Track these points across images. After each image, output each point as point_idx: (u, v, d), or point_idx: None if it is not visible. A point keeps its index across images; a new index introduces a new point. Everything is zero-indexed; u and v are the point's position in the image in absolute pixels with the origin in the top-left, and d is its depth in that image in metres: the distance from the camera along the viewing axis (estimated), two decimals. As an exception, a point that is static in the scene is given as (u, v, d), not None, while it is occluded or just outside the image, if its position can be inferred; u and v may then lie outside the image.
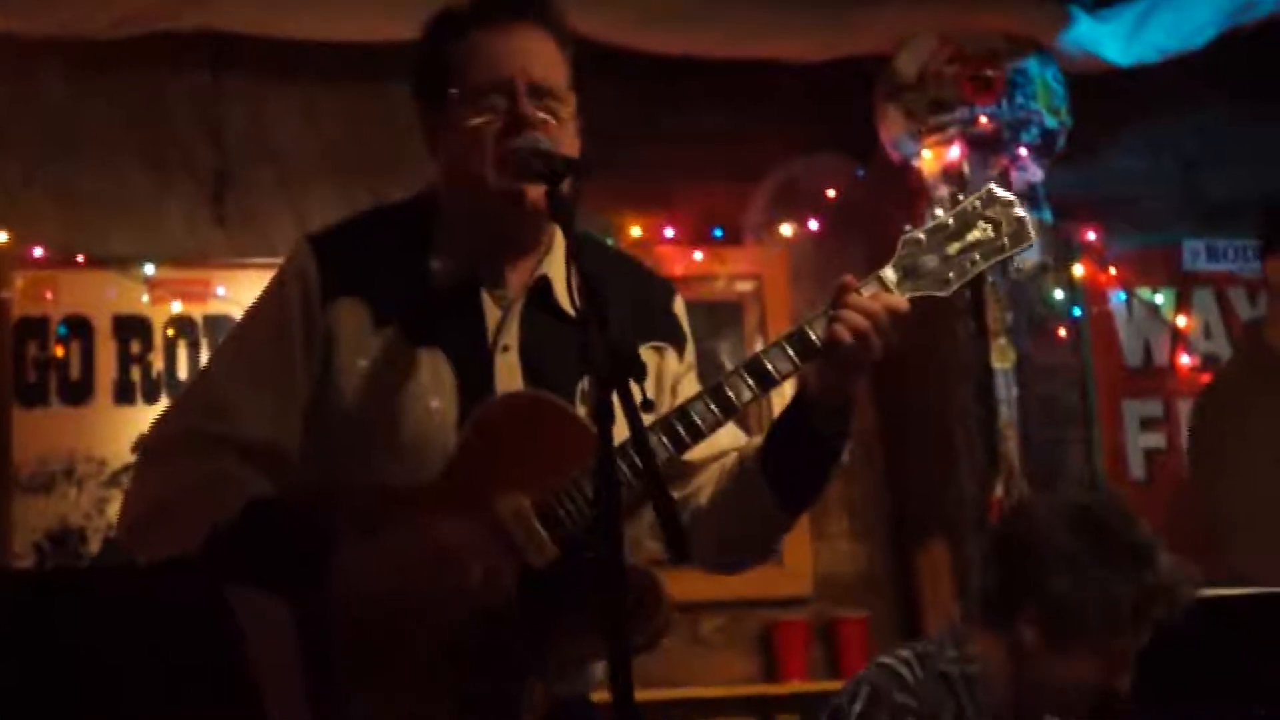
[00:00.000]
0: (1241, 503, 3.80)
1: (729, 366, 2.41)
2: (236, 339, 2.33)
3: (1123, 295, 5.18)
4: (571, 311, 2.07)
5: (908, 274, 2.22)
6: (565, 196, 2.06)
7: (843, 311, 2.15)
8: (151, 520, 2.18)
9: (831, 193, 4.96)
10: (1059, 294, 5.09)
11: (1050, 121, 4.69)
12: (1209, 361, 5.16)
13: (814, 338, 2.17)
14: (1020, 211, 2.26)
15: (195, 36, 4.53)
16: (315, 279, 2.22)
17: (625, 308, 2.25)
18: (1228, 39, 4.89)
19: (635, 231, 4.82)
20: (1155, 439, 5.13)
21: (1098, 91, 4.87)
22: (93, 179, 4.57)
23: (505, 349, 2.23)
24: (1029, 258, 4.62)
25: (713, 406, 2.17)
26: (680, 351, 2.37)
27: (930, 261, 2.23)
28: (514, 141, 2.16)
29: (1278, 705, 2.89)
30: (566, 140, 2.21)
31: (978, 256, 2.24)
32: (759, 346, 2.77)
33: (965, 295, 4.63)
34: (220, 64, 4.66)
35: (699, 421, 2.16)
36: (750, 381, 2.18)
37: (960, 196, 2.34)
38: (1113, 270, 5.18)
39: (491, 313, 2.25)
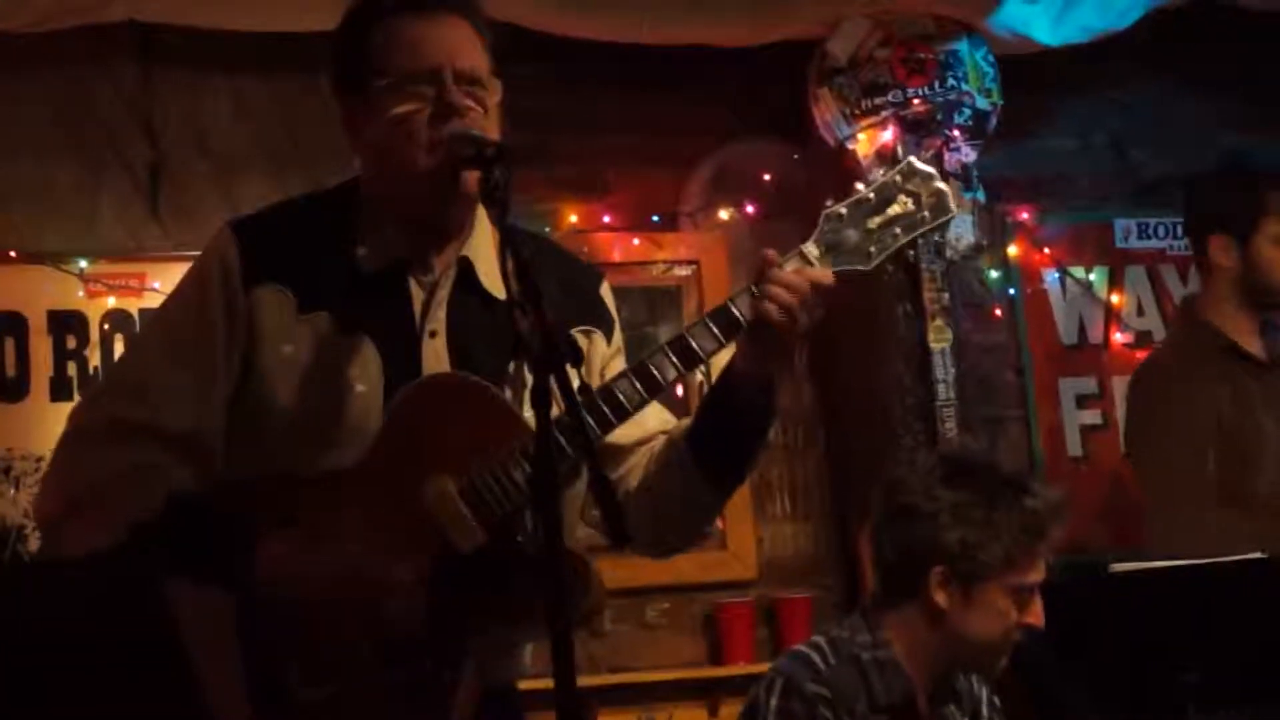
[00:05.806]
0: (1176, 479, 3.83)
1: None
2: (157, 324, 2.32)
3: (1056, 274, 5.23)
4: (496, 294, 2.07)
5: (830, 248, 2.22)
6: (498, 183, 2.06)
7: (767, 287, 2.15)
8: (69, 515, 2.15)
9: (768, 177, 4.98)
10: (994, 274, 5.15)
11: (982, 102, 4.72)
12: (1142, 338, 5.21)
13: (738, 314, 2.17)
14: (940, 184, 2.27)
15: (124, 28, 4.49)
16: (236, 264, 2.21)
17: (554, 293, 2.22)
18: (1155, 18, 4.93)
19: (573, 219, 4.81)
20: (1092, 416, 5.18)
21: (1028, 72, 4.91)
22: (24, 174, 4.51)
23: (432, 334, 2.21)
24: (964, 238, 4.66)
25: (637, 385, 2.15)
26: (608, 335, 2.37)
27: (852, 235, 2.23)
28: (445, 128, 2.16)
29: (1209, 673, 2.94)
30: (492, 128, 2.21)
31: (899, 230, 2.25)
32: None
33: (898, 275, 4.68)
34: (150, 56, 4.61)
35: (624, 400, 2.15)
36: (675, 359, 2.16)
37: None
38: (1046, 249, 5.22)
39: (418, 297, 2.23)
